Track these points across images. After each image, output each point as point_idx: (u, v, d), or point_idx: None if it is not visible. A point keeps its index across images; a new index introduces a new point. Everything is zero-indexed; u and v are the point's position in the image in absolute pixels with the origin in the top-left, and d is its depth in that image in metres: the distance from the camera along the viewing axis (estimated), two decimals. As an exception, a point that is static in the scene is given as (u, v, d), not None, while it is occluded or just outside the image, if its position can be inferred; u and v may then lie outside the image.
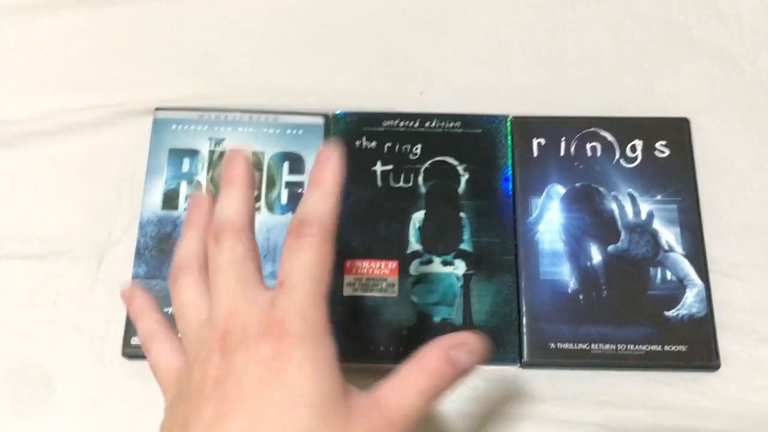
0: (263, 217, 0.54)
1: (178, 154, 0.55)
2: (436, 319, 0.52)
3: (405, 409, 0.31)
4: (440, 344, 0.32)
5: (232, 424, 0.29)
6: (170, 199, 0.54)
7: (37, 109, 0.59)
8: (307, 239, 0.32)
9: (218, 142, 0.56)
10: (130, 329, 0.51)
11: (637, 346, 0.51)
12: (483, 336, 0.33)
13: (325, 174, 0.34)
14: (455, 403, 0.51)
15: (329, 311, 0.32)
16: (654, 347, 0.51)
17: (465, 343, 0.32)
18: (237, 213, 0.35)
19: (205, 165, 0.55)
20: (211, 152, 0.55)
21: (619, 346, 0.51)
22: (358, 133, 0.57)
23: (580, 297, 0.52)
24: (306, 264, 0.32)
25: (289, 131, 0.56)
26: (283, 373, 0.29)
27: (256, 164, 0.55)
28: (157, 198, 0.54)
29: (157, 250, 0.53)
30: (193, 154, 0.55)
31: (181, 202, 0.54)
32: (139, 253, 0.53)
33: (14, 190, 0.56)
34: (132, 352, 0.50)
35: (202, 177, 0.55)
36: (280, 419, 0.29)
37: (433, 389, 0.31)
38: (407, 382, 0.31)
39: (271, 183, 0.55)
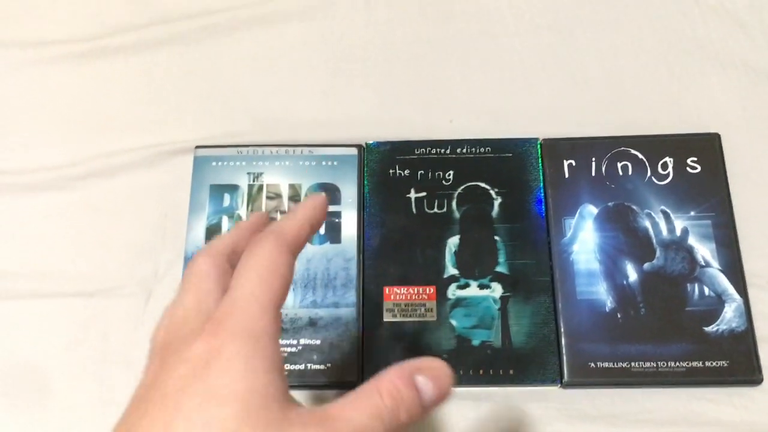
0: (302, 248, 0.55)
1: (218, 190, 0.57)
2: (475, 342, 0.53)
3: (355, 425, 0.28)
4: (403, 366, 0.30)
5: (150, 424, 0.27)
6: (213, 234, 0.56)
7: (81, 153, 0.61)
8: (261, 243, 0.31)
9: (257, 176, 0.57)
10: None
11: (677, 363, 0.51)
12: (447, 366, 0.31)
13: (304, 206, 0.34)
14: (498, 423, 0.51)
15: (278, 320, 0.30)
16: (695, 363, 0.51)
17: (431, 368, 0.30)
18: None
19: (245, 199, 0.57)
20: (250, 186, 0.57)
21: (660, 364, 0.51)
22: (392, 162, 0.58)
23: (618, 315, 0.53)
24: (255, 265, 0.30)
25: (324, 163, 0.58)
26: (209, 369, 0.27)
27: (294, 196, 0.57)
28: (200, 233, 0.56)
29: (201, 283, 0.54)
30: (233, 189, 0.57)
31: (223, 236, 0.56)
32: (184, 288, 0.54)
33: (63, 231, 0.59)
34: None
35: (243, 211, 0.56)
36: (199, 417, 0.26)
37: (389, 411, 0.29)
38: (363, 399, 0.29)
39: (309, 214, 0.56)
